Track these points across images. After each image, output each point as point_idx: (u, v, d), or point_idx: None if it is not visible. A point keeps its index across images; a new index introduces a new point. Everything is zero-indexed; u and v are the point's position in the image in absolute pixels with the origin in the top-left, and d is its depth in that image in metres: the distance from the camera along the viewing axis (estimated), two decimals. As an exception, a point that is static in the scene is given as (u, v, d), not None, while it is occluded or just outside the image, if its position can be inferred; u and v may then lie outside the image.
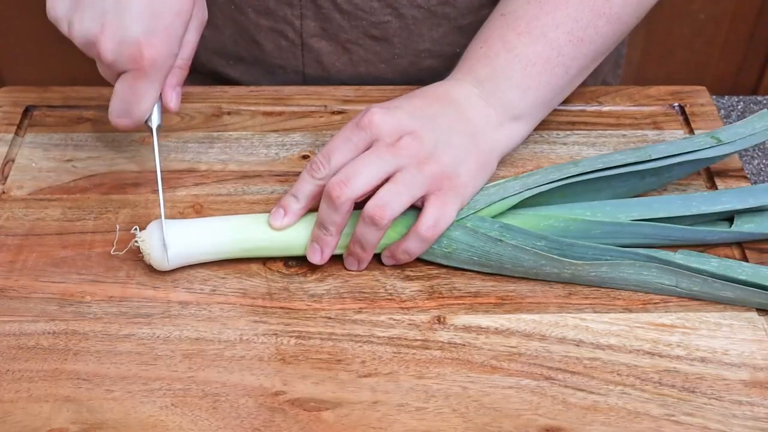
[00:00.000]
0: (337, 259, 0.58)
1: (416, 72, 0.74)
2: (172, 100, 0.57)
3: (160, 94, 0.57)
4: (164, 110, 0.58)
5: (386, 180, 0.54)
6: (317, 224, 0.55)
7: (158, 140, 0.58)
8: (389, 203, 0.53)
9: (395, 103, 0.58)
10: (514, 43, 0.60)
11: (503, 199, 0.58)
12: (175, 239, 0.55)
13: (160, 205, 0.57)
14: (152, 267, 0.57)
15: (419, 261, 0.58)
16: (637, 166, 0.59)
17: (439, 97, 0.59)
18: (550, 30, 0.60)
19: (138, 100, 0.55)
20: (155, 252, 0.55)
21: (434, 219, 0.54)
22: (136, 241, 0.55)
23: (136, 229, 0.56)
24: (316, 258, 0.56)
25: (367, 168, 0.53)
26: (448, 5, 0.70)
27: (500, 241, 0.55)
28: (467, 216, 0.57)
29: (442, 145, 0.56)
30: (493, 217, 0.58)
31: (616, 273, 0.55)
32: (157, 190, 0.58)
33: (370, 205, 0.53)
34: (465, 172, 0.56)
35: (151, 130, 0.58)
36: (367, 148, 0.55)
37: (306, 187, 0.56)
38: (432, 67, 0.74)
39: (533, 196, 0.58)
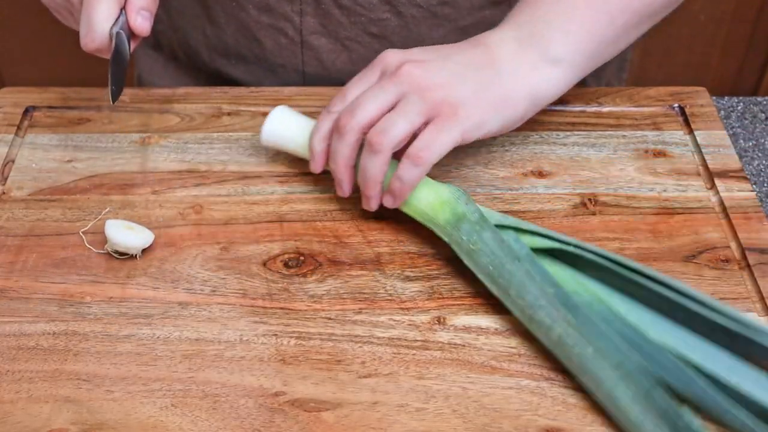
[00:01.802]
0: (336, 260, 0.58)
1: None
2: (137, 21, 0.58)
3: (127, 20, 0.58)
4: (134, 34, 0.59)
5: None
6: (330, 158, 0.58)
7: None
8: (387, 129, 0.54)
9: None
10: None
11: (542, 236, 0.56)
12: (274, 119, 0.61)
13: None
14: (152, 267, 0.57)
15: (419, 261, 0.58)
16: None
17: (468, 42, 0.60)
18: None
19: (93, 12, 0.56)
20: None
21: (425, 143, 0.55)
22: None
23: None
24: (341, 192, 0.59)
25: (370, 99, 0.56)
26: (448, 6, 0.70)
27: (518, 260, 0.53)
28: (507, 227, 0.56)
29: (453, 76, 0.56)
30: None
31: (598, 370, 0.48)
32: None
33: (370, 134, 0.55)
34: (474, 103, 0.56)
35: (111, 37, 0.57)
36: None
37: (325, 124, 0.58)
38: None
39: (568, 252, 0.55)
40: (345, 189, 0.59)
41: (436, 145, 0.55)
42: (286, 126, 0.62)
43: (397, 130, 0.54)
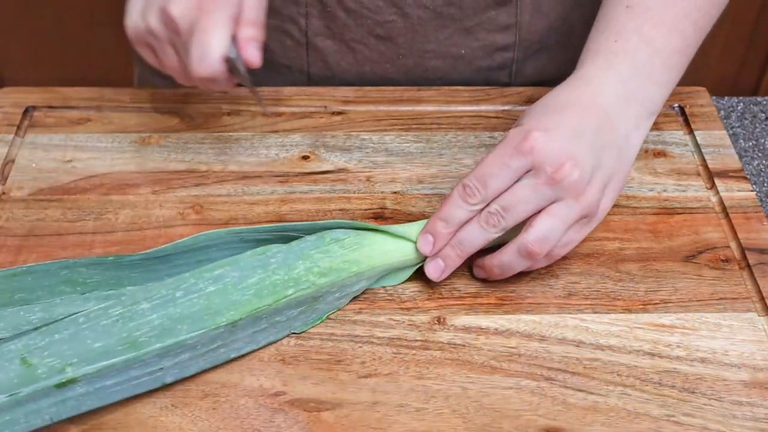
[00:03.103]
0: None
1: (421, 72, 0.74)
2: (249, 52, 0.57)
3: (239, 52, 0.57)
4: (247, 66, 0.57)
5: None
6: (453, 243, 0.55)
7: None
8: (548, 238, 0.53)
9: (550, 121, 0.55)
10: (651, 36, 0.58)
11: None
12: None
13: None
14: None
15: (419, 261, 0.58)
16: None
17: (588, 107, 0.56)
18: (681, 21, 0.59)
19: (209, 38, 0.55)
20: None
21: (566, 242, 0.54)
22: None
23: None
24: (435, 274, 0.55)
25: (524, 204, 0.53)
26: (454, 6, 0.70)
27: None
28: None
29: (597, 170, 0.54)
30: None
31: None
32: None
33: (530, 240, 0.52)
34: (609, 196, 0.55)
35: (232, 62, 0.56)
36: (525, 172, 0.53)
37: (458, 213, 0.54)
38: (437, 68, 0.74)
39: None
40: (445, 274, 0.56)
41: (573, 244, 0.55)
42: None
43: (557, 239, 0.53)
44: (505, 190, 0.53)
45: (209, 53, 0.55)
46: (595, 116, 0.55)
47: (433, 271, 0.56)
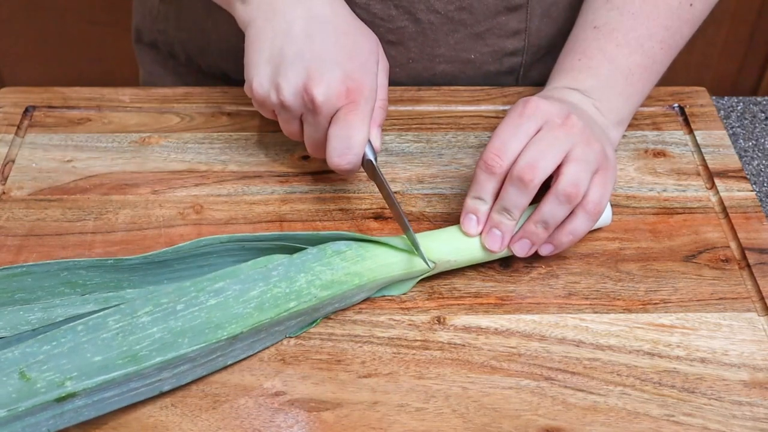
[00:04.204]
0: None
1: (430, 77, 0.74)
2: (377, 139, 0.59)
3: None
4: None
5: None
6: (499, 210, 0.56)
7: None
8: (580, 180, 0.54)
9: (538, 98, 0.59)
10: (614, 54, 0.63)
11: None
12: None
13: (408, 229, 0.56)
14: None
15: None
16: None
17: (560, 100, 0.60)
18: (646, 40, 0.63)
19: (355, 133, 0.57)
20: None
21: (599, 196, 0.55)
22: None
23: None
24: (496, 245, 0.56)
25: (550, 149, 0.54)
26: (465, 11, 0.70)
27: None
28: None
29: (592, 130, 0.57)
30: None
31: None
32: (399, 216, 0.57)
33: (563, 185, 0.54)
34: (611, 156, 0.58)
35: (372, 164, 0.58)
36: (537, 132, 0.56)
37: (489, 185, 0.56)
38: (446, 72, 0.74)
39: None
40: (506, 241, 0.56)
41: (606, 198, 0.56)
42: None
43: (586, 179, 0.55)
44: (523, 151, 0.55)
45: (351, 150, 0.57)
46: (564, 104, 0.59)
47: (492, 242, 0.56)
